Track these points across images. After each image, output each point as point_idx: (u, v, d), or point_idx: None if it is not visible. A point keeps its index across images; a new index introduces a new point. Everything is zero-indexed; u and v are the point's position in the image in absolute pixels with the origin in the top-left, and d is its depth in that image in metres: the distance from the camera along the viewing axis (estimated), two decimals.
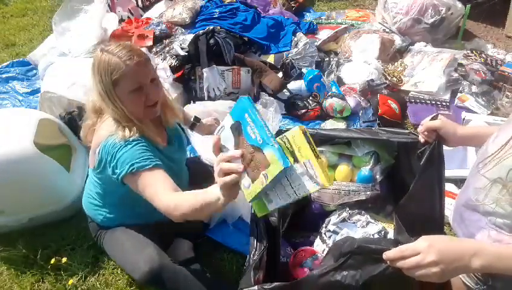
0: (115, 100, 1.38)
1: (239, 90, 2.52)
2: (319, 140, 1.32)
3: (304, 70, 2.66)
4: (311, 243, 1.32)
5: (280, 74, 2.66)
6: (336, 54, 2.94)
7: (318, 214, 1.38)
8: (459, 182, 2.00)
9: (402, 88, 2.71)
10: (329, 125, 2.40)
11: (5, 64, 3.14)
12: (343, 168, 1.34)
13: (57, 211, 1.94)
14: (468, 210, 1.05)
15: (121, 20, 3.36)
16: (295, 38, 2.94)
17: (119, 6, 3.45)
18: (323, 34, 3.13)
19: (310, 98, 2.53)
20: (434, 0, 3.00)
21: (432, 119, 1.17)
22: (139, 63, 1.37)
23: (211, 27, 2.69)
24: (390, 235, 1.26)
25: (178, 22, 3.17)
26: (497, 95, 2.57)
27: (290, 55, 2.79)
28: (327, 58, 2.86)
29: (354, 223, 1.27)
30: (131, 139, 1.36)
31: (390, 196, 1.34)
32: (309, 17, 3.61)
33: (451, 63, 2.73)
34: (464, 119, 2.40)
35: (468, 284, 1.09)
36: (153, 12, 3.44)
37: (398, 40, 2.99)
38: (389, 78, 2.72)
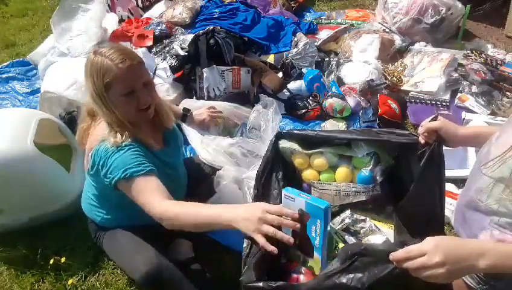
0: (107, 103, 1.36)
1: (239, 90, 2.52)
2: (319, 141, 1.32)
3: (304, 70, 2.66)
4: None
5: (280, 74, 2.66)
6: (336, 54, 2.94)
7: None
8: (459, 182, 2.00)
9: (402, 88, 2.71)
10: (329, 125, 2.40)
11: (5, 64, 3.14)
12: (343, 169, 1.34)
13: (57, 211, 1.94)
14: (470, 210, 1.05)
15: (121, 20, 3.36)
16: (295, 38, 2.94)
17: (119, 6, 3.45)
18: (323, 34, 3.13)
19: (310, 98, 2.53)
20: (434, 0, 3.00)
21: (432, 120, 1.17)
22: (131, 66, 1.35)
23: (211, 27, 2.69)
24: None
25: (178, 22, 3.17)
26: (497, 95, 2.57)
27: (290, 55, 2.79)
28: (327, 58, 2.86)
29: (357, 231, 1.26)
30: (123, 144, 1.35)
31: (391, 197, 1.34)
32: (309, 17, 3.61)
33: (451, 63, 2.73)
34: (463, 119, 2.40)
35: (470, 284, 1.08)
36: (153, 12, 3.44)
37: (398, 40, 2.99)
38: (389, 78, 2.72)
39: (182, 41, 2.79)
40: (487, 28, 3.39)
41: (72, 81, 2.26)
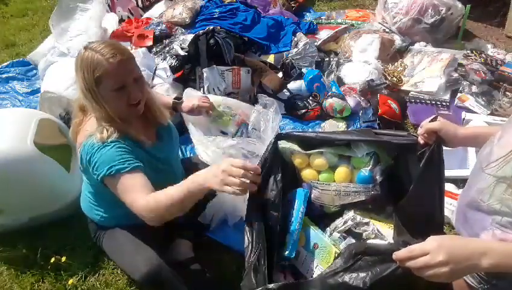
0: (97, 98, 1.36)
1: (239, 90, 2.52)
2: (319, 142, 1.32)
3: (304, 70, 2.66)
4: None
5: (280, 74, 2.66)
6: (336, 54, 2.94)
7: (318, 215, 1.38)
8: (459, 182, 2.00)
9: (402, 88, 2.71)
10: (329, 125, 2.40)
11: (5, 64, 3.14)
12: (342, 169, 1.34)
13: (57, 210, 1.94)
14: (471, 210, 1.05)
15: (121, 20, 3.36)
16: (295, 38, 2.94)
17: (119, 6, 3.45)
18: (323, 34, 3.13)
19: (310, 98, 2.53)
20: (434, 0, 3.00)
21: (432, 120, 1.17)
22: (122, 61, 1.35)
23: (211, 27, 2.69)
24: None
25: (178, 22, 3.17)
26: (497, 95, 2.57)
27: (290, 55, 2.79)
28: (327, 58, 2.86)
29: (359, 234, 1.27)
30: (109, 140, 1.35)
31: (390, 197, 1.34)
32: (309, 17, 3.61)
33: (451, 63, 2.73)
34: (463, 119, 2.40)
35: (471, 283, 1.08)
36: (153, 12, 3.44)
37: (398, 40, 2.99)
38: (389, 78, 2.72)
39: (182, 41, 2.79)
40: (487, 28, 3.39)
41: (72, 81, 2.25)
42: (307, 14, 3.69)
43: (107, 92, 1.36)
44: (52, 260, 1.73)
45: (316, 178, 1.36)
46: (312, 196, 1.35)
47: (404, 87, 2.71)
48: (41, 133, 1.88)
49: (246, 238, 1.15)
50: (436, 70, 2.69)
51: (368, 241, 1.26)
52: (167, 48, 2.82)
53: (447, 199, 1.62)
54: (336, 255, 1.19)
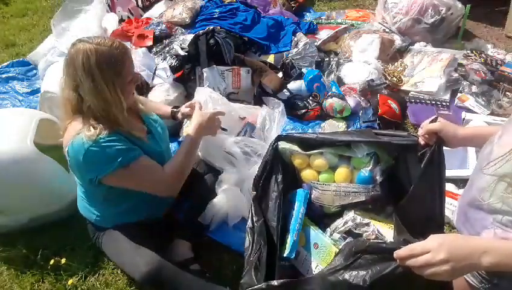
0: (116, 91, 1.36)
1: (239, 90, 2.52)
2: (319, 144, 1.32)
3: (304, 70, 2.65)
4: None
5: (280, 74, 2.66)
6: (336, 54, 2.94)
7: (318, 215, 1.38)
8: (459, 182, 2.00)
9: (402, 88, 2.71)
10: (329, 125, 2.40)
11: (5, 64, 3.15)
12: (342, 170, 1.34)
13: (57, 211, 1.94)
14: (472, 209, 1.05)
15: (121, 20, 3.36)
16: (295, 38, 2.94)
17: (119, 6, 3.45)
18: (323, 34, 3.13)
19: (310, 98, 2.53)
20: (434, 0, 3.00)
21: (432, 121, 1.17)
22: (130, 52, 1.41)
23: (211, 27, 2.69)
24: None
25: (178, 22, 3.17)
26: (497, 95, 2.57)
27: (290, 55, 2.78)
28: (327, 58, 2.86)
29: (360, 234, 1.27)
30: (100, 137, 1.34)
31: (390, 197, 1.34)
32: (309, 17, 3.61)
33: (451, 63, 2.73)
34: (463, 119, 2.40)
35: (472, 283, 1.08)
36: (153, 12, 3.44)
37: (398, 40, 2.99)
38: (389, 78, 2.72)
39: (182, 41, 2.79)
40: (487, 28, 3.39)
41: None
42: (307, 14, 3.69)
43: (124, 84, 1.39)
44: (52, 260, 1.73)
45: (316, 178, 1.36)
46: (312, 196, 1.35)
47: (404, 87, 2.71)
48: (41, 133, 1.88)
49: (247, 238, 1.15)
50: (436, 70, 2.69)
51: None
52: (167, 48, 2.82)
53: (447, 199, 1.62)
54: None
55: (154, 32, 2.92)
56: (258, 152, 1.92)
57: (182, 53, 2.65)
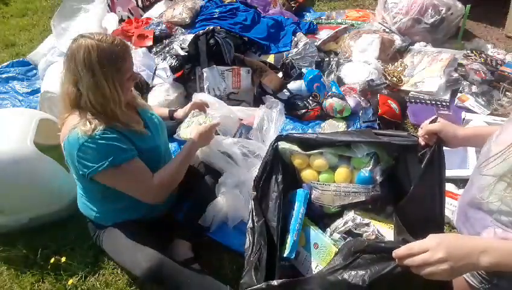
0: (115, 87, 1.37)
1: (239, 90, 2.52)
2: (319, 144, 1.32)
3: (304, 70, 2.65)
4: None
5: (280, 74, 2.66)
6: (336, 54, 2.94)
7: (318, 215, 1.38)
8: (459, 182, 2.00)
9: (402, 88, 2.71)
10: (329, 125, 2.40)
11: (5, 64, 3.15)
12: (342, 170, 1.34)
13: (57, 211, 1.94)
14: (472, 209, 1.05)
15: (121, 20, 3.36)
16: (295, 38, 2.94)
17: (119, 6, 3.45)
18: (323, 34, 3.13)
19: (310, 98, 2.53)
20: (434, 0, 3.00)
21: (432, 122, 1.18)
22: (130, 50, 1.42)
23: (211, 27, 2.69)
24: None
25: (178, 22, 3.17)
26: (497, 95, 2.57)
27: (290, 55, 2.79)
28: (327, 58, 2.86)
29: (360, 235, 1.27)
30: (95, 133, 1.34)
31: (390, 197, 1.34)
32: (309, 17, 3.61)
33: (451, 63, 2.73)
34: (463, 119, 2.40)
35: (472, 283, 1.08)
36: (153, 13, 3.44)
37: (398, 40, 2.99)
38: (389, 78, 2.72)
39: (182, 41, 2.79)
40: (487, 28, 3.39)
41: None
42: (307, 14, 3.69)
43: (123, 80, 1.40)
44: (52, 260, 1.73)
45: (316, 179, 1.36)
46: (312, 196, 1.35)
47: (404, 87, 2.71)
48: (41, 133, 1.88)
49: (248, 239, 1.15)
50: (436, 70, 2.69)
51: None
52: (167, 48, 2.82)
53: (447, 199, 1.62)
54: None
55: (154, 32, 2.93)
56: (255, 153, 1.93)
57: (182, 53, 2.65)
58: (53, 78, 2.40)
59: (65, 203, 1.94)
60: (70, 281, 1.72)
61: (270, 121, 2.15)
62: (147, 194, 1.50)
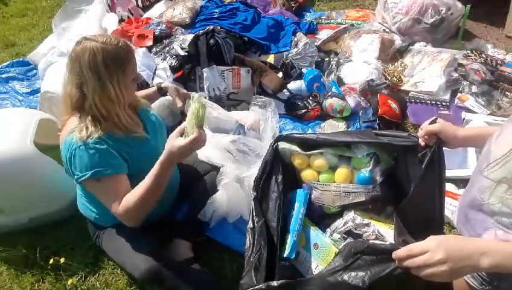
0: (121, 89, 1.37)
1: (239, 90, 2.53)
2: (319, 144, 1.32)
3: (304, 70, 2.66)
4: None
5: (280, 74, 2.66)
6: (336, 54, 2.94)
7: (318, 216, 1.38)
8: (459, 182, 2.00)
9: (402, 88, 2.71)
10: (329, 125, 2.40)
11: (5, 64, 3.14)
12: (342, 170, 1.34)
13: (57, 211, 1.94)
14: (473, 210, 1.05)
15: (121, 20, 3.36)
16: (295, 38, 2.94)
17: (119, 6, 3.45)
18: (323, 34, 3.13)
19: (310, 98, 2.53)
20: (434, 0, 3.00)
21: (431, 122, 1.18)
22: (133, 51, 1.42)
23: (211, 27, 2.69)
24: None
25: (178, 22, 3.18)
26: (497, 95, 2.57)
27: (290, 55, 2.79)
28: (327, 58, 2.86)
29: (360, 235, 1.27)
30: (89, 141, 1.33)
31: (390, 197, 1.34)
32: (309, 17, 3.61)
33: (451, 63, 2.73)
34: (463, 119, 2.40)
35: (473, 284, 1.08)
36: (153, 13, 3.45)
37: (398, 40, 2.99)
38: (389, 78, 2.72)
39: (182, 41, 2.79)
40: (487, 28, 3.39)
41: None
42: (307, 14, 3.69)
43: (128, 82, 1.40)
44: (52, 260, 1.73)
45: (316, 179, 1.36)
46: (312, 196, 1.35)
47: (404, 87, 2.71)
48: (41, 133, 1.88)
49: (248, 239, 1.15)
50: (436, 70, 2.69)
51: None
52: (167, 48, 2.82)
53: (447, 199, 1.62)
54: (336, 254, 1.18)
55: (154, 32, 2.93)
56: (255, 152, 1.93)
57: (182, 53, 2.65)
58: (53, 78, 2.40)
59: (65, 203, 1.94)
60: (70, 281, 1.72)
61: (264, 120, 2.16)
62: (117, 216, 1.40)
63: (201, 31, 2.62)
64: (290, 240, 1.24)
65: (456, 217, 1.20)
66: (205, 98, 2.28)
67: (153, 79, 2.62)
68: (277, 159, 1.32)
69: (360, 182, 1.31)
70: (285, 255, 1.22)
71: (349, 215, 1.31)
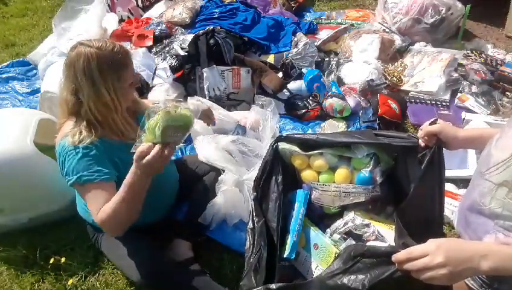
0: (116, 96, 1.36)
1: (239, 90, 2.52)
2: (319, 145, 1.32)
3: (304, 70, 2.66)
4: None
5: (280, 74, 2.66)
6: (336, 54, 2.94)
7: (318, 216, 1.38)
8: (459, 182, 2.00)
9: (402, 88, 2.71)
10: (329, 125, 2.40)
11: (5, 64, 3.15)
12: (342, 170, 1.34)
13: (57, 211, 1.94)
14: (473, 213, 1.05)
15: (121, 20, 3.36)
16: (295, 38, 2.94)
17: (119, 6, 3.45)
18: (323, 34, 3.13)
19: (310, 98, 2.53)
20: (434, 0, 3.00)
21: (431, 123, 1.17)
22: (130, 56, 1.40)
23: (211, 27, 2.69)
24: None
25: (178, 22, 3.18)
26: (497, 95, 2.57)
27: (290, 55, 2.79)
28: (327, 58, 2.86)
29: (360, 235, 1.27)
30: (80, 145, 1.33)
31: (390, 198, 1.34)
32: (309, 17, 3.61)
33: (451, 63, 2.72)
34: (463, 119, 2.40)
35: (473, 287, 1.08)
36: (153, 13, 3.45)
37: (398, 40, 2.99)
38: (389, 78, 2.72)
39: (182, 41, 2.79)
40: (487, 28, 3.39)
41: None
42: (307, 14, 3.69)
43: (125, 87, 1.39)
44: (52, 260, 1.73)
45: (316, 179, 1.36)
46: (312, 196, 1.35)
47: (404, 87, 2.71)
48: (41, 133, 1.88)
49: (248, 239, 1.15)
50: (436, 70, 2.69)
51: (368, 243, 1.26)
52: (167, 48, 2.83)
53: (447, 199, 1.62)
54: (336, 255, 1.19)
55: (154, 32, 2.93)
56: (255, 152, 1.93)
57: (182, 53, 2.65)
58: (53, 78, 2.40)
59: (65, 203, 1.93)
60: (70, 281, 1.72)
61: (264, 120, 2.15)
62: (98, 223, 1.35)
63: (201, 31, 2.62)
64: (290, 241, 1.23)
65: (457, 219, 1.20)
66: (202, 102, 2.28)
67: (153, 79, 2.62)
68: (277, 160, 1.32)
69: (360, 183, 1.31)
70: (285, 256, 1.22)
71: (349, 215, 1.30)
